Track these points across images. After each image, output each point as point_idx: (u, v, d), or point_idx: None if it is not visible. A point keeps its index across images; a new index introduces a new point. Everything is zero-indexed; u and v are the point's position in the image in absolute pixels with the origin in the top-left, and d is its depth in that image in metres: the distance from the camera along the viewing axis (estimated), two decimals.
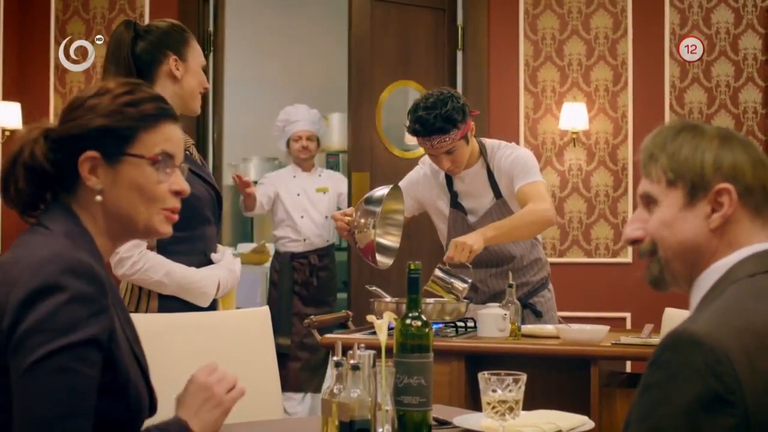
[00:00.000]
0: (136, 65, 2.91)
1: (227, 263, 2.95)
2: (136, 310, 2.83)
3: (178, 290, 2.83)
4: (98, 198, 1.67)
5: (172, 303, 2.83)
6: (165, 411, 2.57)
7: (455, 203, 3.67)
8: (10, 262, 1.58)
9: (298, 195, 5.67)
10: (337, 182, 5.80)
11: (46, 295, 1.51)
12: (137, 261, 2.80)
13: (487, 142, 3.72)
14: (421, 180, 3.75)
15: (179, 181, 1.74)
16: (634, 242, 1.61)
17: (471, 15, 5.60)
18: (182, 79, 2.93)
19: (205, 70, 3.03)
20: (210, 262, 2.92)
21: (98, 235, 1.69)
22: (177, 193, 1.74)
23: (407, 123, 3.56)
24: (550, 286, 3.79)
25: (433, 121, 3.45)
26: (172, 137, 1.73)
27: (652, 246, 1.57)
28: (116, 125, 1.67)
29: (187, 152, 2.95)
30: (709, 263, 1.52)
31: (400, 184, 3.74)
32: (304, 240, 5.61)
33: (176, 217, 1.74)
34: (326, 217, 5.56)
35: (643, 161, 1.58)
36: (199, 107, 3.00)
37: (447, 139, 3.47)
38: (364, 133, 5.39)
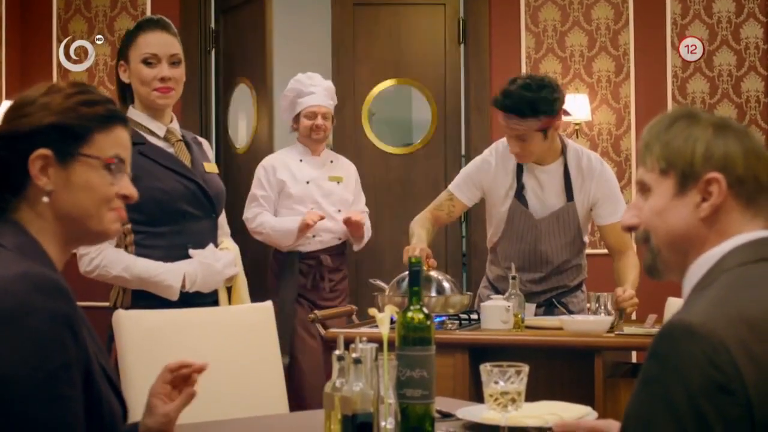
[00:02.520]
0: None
1: (203, 257, 2.91)
2: (114, 306, 2.84)
3: (141, 284, 2.82)
4: (45, 199, 1.61)
5: (142, 300, 2.83)
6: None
7: (519, 195, 3.59)
8: None
9: (308, 183, 4.61)
10: (351, 171, 4.78)
11: (20, 319, 1.44)
12: (95, 257, 2.80)
13: (570, 143, 3.65)
14: (491, 168, 3.63)
15: (128, 186, 1.70)
16: (630, 229, 1.62)
17: (472, 8, 5.60)
18: (131, 82, 2.94)
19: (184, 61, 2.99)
20: (189, 256, 2.90)
21: (48, 243, 1.63)
22: (124, 198, 1.70)
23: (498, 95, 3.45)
24: (584, 287, 3.79)
25: (517, 101, 3.37)
26: (124, 142, 1.70)
27: (646, 234, 1.59)
28: (70, 123, 1.63)
29: (173, 147, 2.95)
30: (699, 252, 1.52)
31: (466, 170, 3.71)
32: (314, 236, 4.55)
33: (125, 214, 1.71)
34: (339, 210, 4.63)
35: (640, 150, 1.60)
36: (157, 100, 2.93)
37: (522, 125, 3.40)
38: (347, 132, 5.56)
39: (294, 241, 4.46)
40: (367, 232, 4.66)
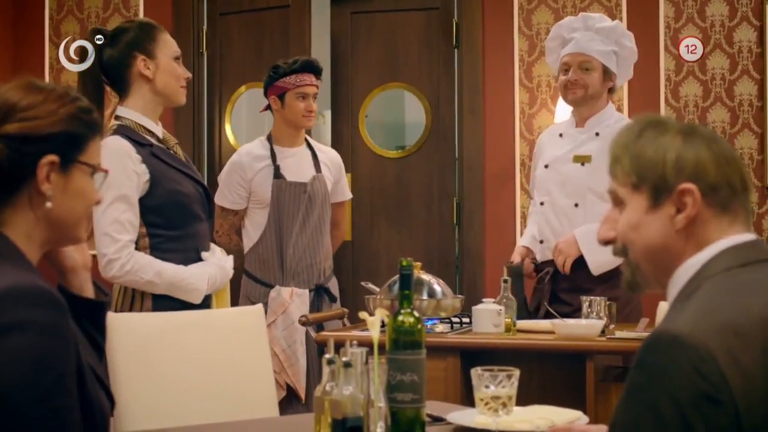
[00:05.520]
0: (107, 74, 2.93)
1: (218, 259, 2.96)
2: (131, 310, 2.84)
3: (170, 288, 2.83)
4: (48, 204, 1.61)
5: (165, 301, 2.83)
6: (157, 409, 2.57)
7: (278, 174, 3.90)
8: None
9: (546, 167, 3.68)
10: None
11: (11, 336, 1.43)
12: (126, 263, 2.79)
13: None
14: (243, 165, 3.92)
15: (99, 193, 1.72)
16: (607, 243, 1.60)
17: (466, 11, 5.60)
18: (155, 77, 2.93)
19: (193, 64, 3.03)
20: (201, 259, 2.93)
21: (25, 244, 1.61)
22: (96, 203, 1.73)
23: (283, 67, 3.92)
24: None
25: (316, 62, 4.03)
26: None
27: (624, 248, 1.57)
28: (76, 131, 1.65)
29: (172, 150, 2.96)
30: (678, 264, 1.51)
31: (222, 181, 3.96)
32: (541, 242, 3.74)
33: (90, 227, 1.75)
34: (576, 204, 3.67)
35: (610, 163, 1.58)
36: (183, 98, 3.01)
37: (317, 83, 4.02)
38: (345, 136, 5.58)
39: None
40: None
